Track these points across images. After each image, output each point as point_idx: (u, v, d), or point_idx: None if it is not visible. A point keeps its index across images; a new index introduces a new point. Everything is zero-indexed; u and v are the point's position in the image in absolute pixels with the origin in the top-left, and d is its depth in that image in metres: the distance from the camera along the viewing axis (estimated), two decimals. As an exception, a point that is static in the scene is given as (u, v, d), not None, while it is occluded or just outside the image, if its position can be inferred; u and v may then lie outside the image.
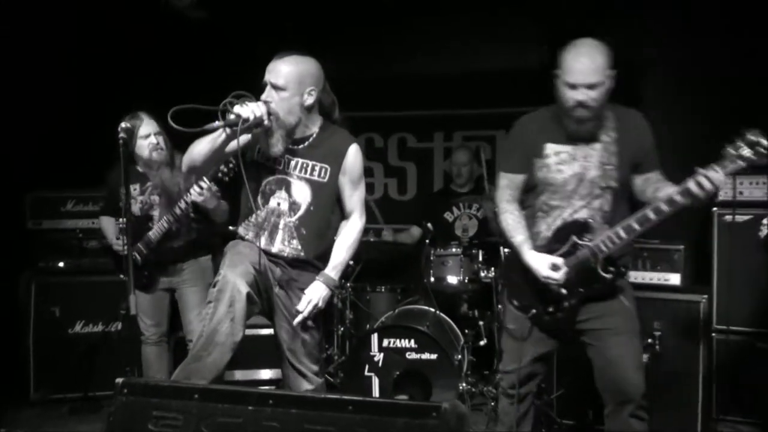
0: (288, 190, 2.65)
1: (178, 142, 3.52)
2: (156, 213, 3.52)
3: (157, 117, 3.46)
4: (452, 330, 3.88)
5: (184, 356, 2.54)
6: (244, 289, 2.44)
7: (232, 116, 2.39)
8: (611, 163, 2.51)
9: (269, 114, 2.49)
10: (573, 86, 2.40)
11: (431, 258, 4.08)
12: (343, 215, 2.77)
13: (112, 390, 1.78)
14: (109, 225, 3.70)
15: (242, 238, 2.70)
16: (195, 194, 3.28)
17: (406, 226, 4.84)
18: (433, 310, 3.91)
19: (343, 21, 4.83)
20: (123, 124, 2.87)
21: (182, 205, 3.37)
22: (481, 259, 4.06)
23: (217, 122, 2.39)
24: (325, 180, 2.65)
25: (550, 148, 2.56)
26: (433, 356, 3.57)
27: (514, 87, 4.86)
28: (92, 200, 4.33)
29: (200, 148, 2.54)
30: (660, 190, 2.45)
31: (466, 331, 3.99)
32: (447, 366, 3.54)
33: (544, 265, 2.55)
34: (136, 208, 3.54)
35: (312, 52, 2.67)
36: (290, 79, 2.52)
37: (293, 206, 2.64)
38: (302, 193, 2.64)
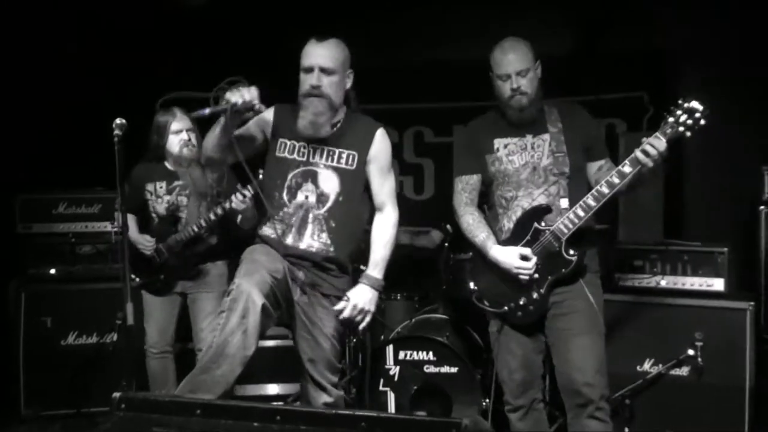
0: (315, 181, 2.72)
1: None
2: (184, 215, 3.60)
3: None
4: (474, 341, 3.88)
5: (190, 368, 2.57)
6: (260, 300, 2.48)
7: (223, 103, 2.54)
8: (561, 151, 2.80)
9: (260, 98, 2.59)
10: (507, 76, 2.77)
11: (451, 263, 4.09)
12: (371, 211, 2.84)
13: (107, 406, 1.82)
14: (131, 223, 3.74)
15: (265, 240, 2.74)
16: (237, 202, 3.29)
17: (425, 228, 4.85)
18: (453, 319, 3.92)
19: (352, 3, 4.85)
20: (118, 120, 2.91)
21: (219, 210, 3.44)
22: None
23: (207, 109, 2.54)
24: (353, 167, 2.73)
25: (498, 141, 2.86)
26: (454, 370, 3.58)
27: (541, 76, 4.85)
28: (86, 202, 4.39)
29: (209, 140, 2.69)
30: None
31: (490, 342, 3.99)
32: (468, 380, 3.55)
33: (512, 257, 2.77)
34: (161, 207, 3.64)
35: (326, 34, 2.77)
36: (338, 61, 2.71)
37: (321, 197, 2.72)
38: (330, 183, 2.72)
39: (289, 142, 2.75)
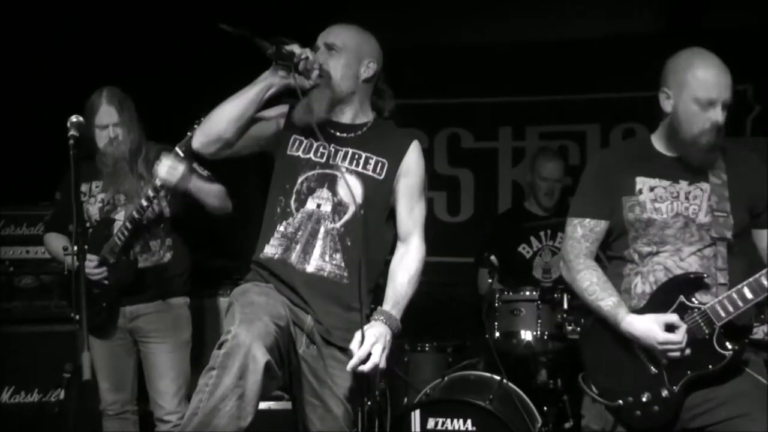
0: (332, 188, 2.74)
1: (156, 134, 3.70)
2: (120, 216, 3.62)
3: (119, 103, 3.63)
4: (526, 406, 3.86)
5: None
6: (263, 356, 2.41)
7: (285, 51, 2.63)
8: (724, 210, 2.72)
9: (320, 68, 2.69)
10: (710, 103, 2.66)
11: (496, 305, 4.07)
12: (394, 241, 2.83)
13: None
14: (57, 243, 3.75)
15: (265, 265, 2.73)
16: (158, 179, 3.38)
17: (460, 259, 4.84)
18: (498, 378, 3.90)
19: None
20: (73, 118, 2.96)
21: (150, 192, 3.45)
22: (566, 306, 4.03)
23: (270, 48, 2.62)
24: (381, 177, 2.75)
25: (642, 182, 2.78)
26: (499, 443, 3.56)
27: (615, 63, 4.84)
28: (28, 221, 4.40)
29: (225, 109, 2.71)
30: None
31: (545, 408, 3.97)
32: (518, 457, 3.53)
33: (654, 327, 2.61)
34: (95, 209, 3.65)
35: (331, 16, 2.86)
36: (348, 41, 2.79)
37: (338, 208, 2.72)
38: (352, 191, 2.72)
39: (305, 140, 2.78)
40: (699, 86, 2.66)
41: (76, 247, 2.70)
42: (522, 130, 5.45)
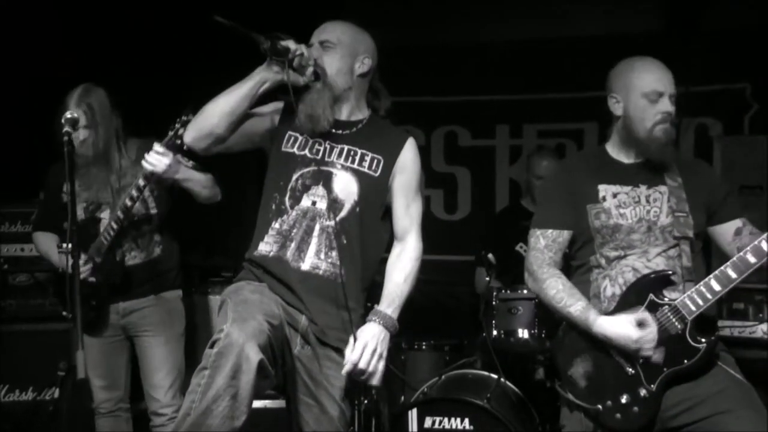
0: (328, 185, 2.74)
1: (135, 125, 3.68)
2: (105, 215, 3.62)
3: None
4: (523, 405, 3.87)
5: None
6: (256, 355, 2.40)
7: (280, 46, 2.64)
8: (683, 211, 2.81)
9: (315, 64, 2.70)
10: (658, 95, 2.78)
11: (494, 303, 4.07)
12: (390, 238, 2.83)
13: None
14: (47, 242, 3.75)
15: (260, 263, 2.73)
16: (147, 165, 3.35)
17: (456, 257, 4.84)
18: (495, 376, 3.90)
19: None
20: (68, 114, 2.97)
21: (134, 192, 3.43)
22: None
23: (265, 42, 2.63)
24: (377, 174, 2.76)
25: (605, 189, 2.86)
26: (497, 442, 3.57)
27: (613, 62, 4.83)
28: (23, 219, 4.40)
29: (222, 103, 2.70)
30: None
31: (542, 406, 3.96)
32: (516, 456, 3.53)
33: (628, 326, 2.67)
34: (79, 209, 3.62)
35: (328, 15, 2.87)
36: (343, 37, 2.80)
37: (334, 205, 2.72)
38: (347, 188, 2.73)
39: (300, 137, 2.79)
40: (645, 82, 2.79)
41: (70, 245, 2.71)
42: (519, 128, 5.46)
